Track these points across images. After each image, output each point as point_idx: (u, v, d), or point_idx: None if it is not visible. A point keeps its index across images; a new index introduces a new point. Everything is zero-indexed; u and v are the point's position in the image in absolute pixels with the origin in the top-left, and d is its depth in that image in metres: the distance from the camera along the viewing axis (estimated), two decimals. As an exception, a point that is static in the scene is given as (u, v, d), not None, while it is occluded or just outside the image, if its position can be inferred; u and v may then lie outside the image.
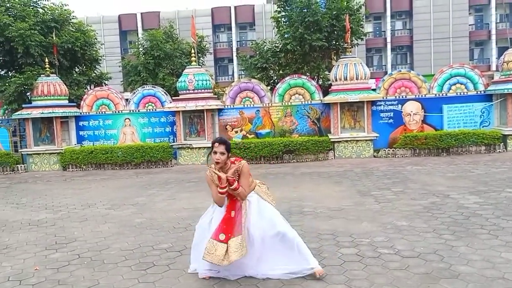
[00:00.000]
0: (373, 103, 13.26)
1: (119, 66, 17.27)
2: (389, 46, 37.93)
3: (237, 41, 39.97)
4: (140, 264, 4.81)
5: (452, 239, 5.08)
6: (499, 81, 12.96)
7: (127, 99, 14.73)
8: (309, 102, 13.84)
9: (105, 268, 4.73)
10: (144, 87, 14.75)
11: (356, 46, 17.16)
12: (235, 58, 37.69)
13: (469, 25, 36.98)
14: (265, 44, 15.93)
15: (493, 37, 36.06)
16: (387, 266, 4.37)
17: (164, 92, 14.45)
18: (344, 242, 5.20)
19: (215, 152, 3.99)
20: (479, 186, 7.94)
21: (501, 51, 34.40)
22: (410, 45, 37.85)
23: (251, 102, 14.07)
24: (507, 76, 12.59)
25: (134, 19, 39.17)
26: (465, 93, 13.20)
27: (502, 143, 12.43)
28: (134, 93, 14.61)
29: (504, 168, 9.76)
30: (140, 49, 16.94)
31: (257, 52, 15.41)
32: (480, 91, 13.16)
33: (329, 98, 13.22)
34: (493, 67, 34.55)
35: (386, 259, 4.56)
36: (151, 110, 14.30)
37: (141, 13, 39.18)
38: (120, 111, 14.43)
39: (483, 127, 13.06)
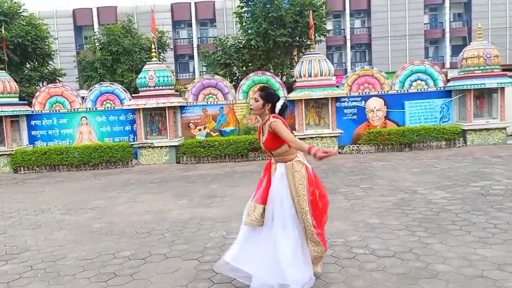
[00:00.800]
0: (337, 99, 13.25)
1: (74, 61, 16.40)
2: (348, 43, 38.53)
3: (198, 38, 39.32)
4: (100, 275, 4.41)
5: (426, 236, 5.00)
6: (458, 78, 13.27)
7: (83, 97, 14.00)
8: (274, 99, 13.62)
9: (61, 281, 4.30)
10: (101, 84, 14.06)
11: (318, 43, 17.15)
12: (196, 54, 37.11)
13: (424, 23, 38.06)
14: (228, 40, 15.60)
15: (447, 36, 37.29)
16: (364, 267, 4.21)
17: (123, 89, 13.83)
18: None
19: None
20: (444, 181, 8.00)
21: (455, 49, 35.77)
22: (369, 43, 38.57)
23: (214, 99, 13.72)
24: (466, 72, 12.90)
25: (90, 14, 37.67)
26: (426, 89, 13.43)
27: (462, 138, 12.74)
28: (91, 90, 13.89)
29: (466, 163, 9.95)
30: (97, 44, 16.13)
31: (220, 48, 15.07)
32: (440, 87, 13.43)
33: (294, 95, 13.08)
34: (447, 65, 35.75)
35: (362, 259, 4.40)
36: (109, 108, 13.65)
37: (97, 8, 37.72)
38: (76, 109, 13.68)
39: (443, 122, 13.34)
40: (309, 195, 3.65)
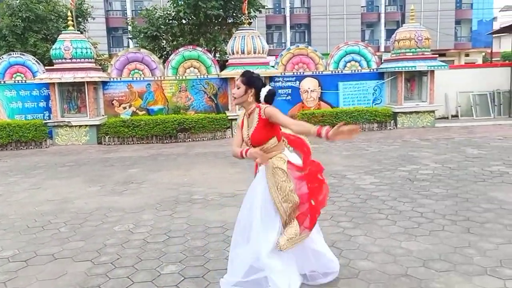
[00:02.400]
0: (271, 79, 12.76)
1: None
2: (288, 23, 38.24)
3: (132, 10, 37.08)
4: (-37, 284, 3.60)
5: (350, 227, 4.64)
6: (390, 60, 13.26)
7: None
8: (206, 76, 12.89)
9: None
10: (10, 54, 12.48)
11: (254, 19, 16.43)
12: (130, 28, 35.00)
13: (361, 6, 38.58)
14: (156, 11, 14.45)
15: (382, 20, 38.06)
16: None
17: (36, 61, 12.38)
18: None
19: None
20: (374, 165, 7.80)
21: (389, 33, 36.45)
22: (308, 23, 38.51)
23: (140, 75, 12.70)
24: (398, 54, 12.89)
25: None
26: (359, 71, 13.31)
27: (393, 121, 12.79)
28: (-2, 61, 12.32)
29: (395, 146, 9.90)
30: (5, 9, 14.25)
31: (147, 19, 13.91)
32: (373, 69, 13.36)
33: (226, 73, 12.41)
34: (382, 49, 36.60)
35: (280, 257, 3.92)
36: (19, 81, 12.18)
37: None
38: (-20, 82, 12.09)
39: (375, 104, 13.33)
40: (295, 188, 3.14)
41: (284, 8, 38.61)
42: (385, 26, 37.95)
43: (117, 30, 37.58)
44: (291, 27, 38.82)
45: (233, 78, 12.30)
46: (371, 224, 4.71)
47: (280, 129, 3.23)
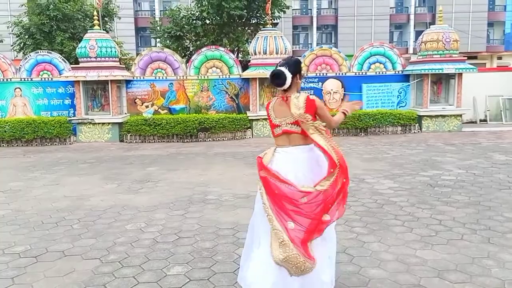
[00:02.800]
0: (293, 79, 12.60)
1: (8, 28, 14.86)
2: (315, 24, 37.93)
3: (160, 10, 37.48)
4: (-27, 278, 3.65)
5: (364, 233, 4.50)
6: (416, 62, 12.91)
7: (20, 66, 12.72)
8: (227, 76, 12.86)
9: None
10: (38, 52, 12.77)
11: (279, 19, 16.31)
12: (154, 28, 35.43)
13: (390, 7, 37.91)
14: (180, 11, 14.53)
15: (412, 21, 37.29)
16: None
17: (62, 59, 12.63)
18: (245, 239, 4.40)
19: None
20: (394, 169, 7.58)
21: (419, 34, 35.58)
22: (335, 24, 38.10)
23: (163, 74, 12.78)
24: (424, 56, 12.54)
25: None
26: (384, 73, 13.01)
27: (417, 124, 12.45)
28: (26, 59, 12.60)
29: (418, 150, 9.61)
30: (33, 7, 14.59)
31: (171, 19, 14.00)
32: (398, 71, 13.04)
33: (248, 73, 12.35)
34: (411, 50, 35.81)
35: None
36: (46, 79, 12.46)
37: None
38: (8, 79, 12.41)
39: (400, 107, 13.00)
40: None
41: (311, 9, 38.32)
42: (414, 28, 37.14)
43: (145, 30, 38.03)
44: (318, 28, 38.47)
45: (255, 78, 12.30)
46: (386, 230, 4.55)
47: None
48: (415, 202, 5.53)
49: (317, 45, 36.96)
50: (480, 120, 14.22)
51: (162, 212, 5.44)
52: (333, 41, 38.77)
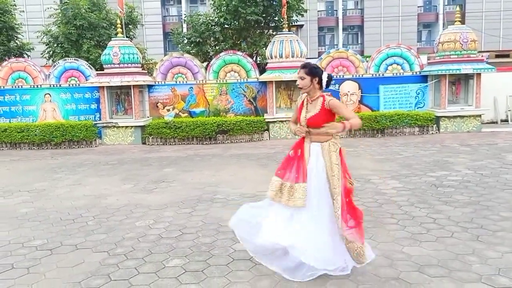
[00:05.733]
0: (310, 82, 12.78)
1: (38, 37, 15.72)
2: (340, 25, 37.77)
3: (188, 16, 38.33)
4: (-5, 267, 4.07)
5: (358, 230, 4.67)
6: (434, 62, 12.85)
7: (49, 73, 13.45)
8: (245, 80, 13.18)
9: (-51, 273, 3.95)
10: (66, 59, 13.49)
11: (295, 23, 16.48)
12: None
13: (418, 6, 37.36)
14: (200, 17, 14.98)
15: (440, 20, 36.63)
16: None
17: (89, 66, 13.29)
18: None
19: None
20: (402, 170, 7.68)
21: (447, 33, 35.04)
22: (361, 25, 37.85)
23: (184, 79, 13.23)
24: (442, 57, 12.47)
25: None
26: (401, 74, 13.01)
27: (435, 125, 12.40)
28: (55, 66, 13.33)
29: (432, 151, 9.63)
30: (61, 17, 15.37)
31: (191, 26, 14.46)
32: (416, 72, 13.01)
33: (265, 77, 12.63)
34: (439, 49, 35.17)
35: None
36: (73, 85, 13.14)
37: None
38: (39, 86, 13.16)
39: (417, 108, 12.97)
40: (342, 176, 3.59)
41: (336, 10, 38.20)
42: (443, 27, 36.44)
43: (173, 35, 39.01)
44: (344, 29, 38.30)
45: (272, 81, 12.55)
46: (379, 228, 4.72)
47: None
48: (414, 202, 5.65)
49: (343, 46, 37.07)
50: (501, 120, 13.99)
51: (171, 210, 5.77)
52: (359, 42, 38.54)
